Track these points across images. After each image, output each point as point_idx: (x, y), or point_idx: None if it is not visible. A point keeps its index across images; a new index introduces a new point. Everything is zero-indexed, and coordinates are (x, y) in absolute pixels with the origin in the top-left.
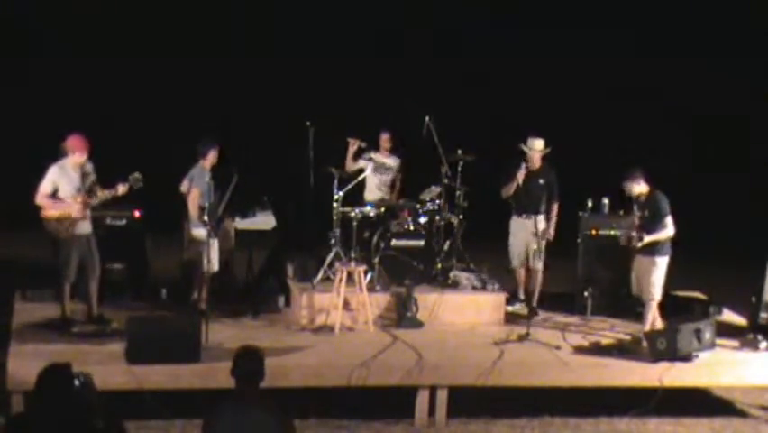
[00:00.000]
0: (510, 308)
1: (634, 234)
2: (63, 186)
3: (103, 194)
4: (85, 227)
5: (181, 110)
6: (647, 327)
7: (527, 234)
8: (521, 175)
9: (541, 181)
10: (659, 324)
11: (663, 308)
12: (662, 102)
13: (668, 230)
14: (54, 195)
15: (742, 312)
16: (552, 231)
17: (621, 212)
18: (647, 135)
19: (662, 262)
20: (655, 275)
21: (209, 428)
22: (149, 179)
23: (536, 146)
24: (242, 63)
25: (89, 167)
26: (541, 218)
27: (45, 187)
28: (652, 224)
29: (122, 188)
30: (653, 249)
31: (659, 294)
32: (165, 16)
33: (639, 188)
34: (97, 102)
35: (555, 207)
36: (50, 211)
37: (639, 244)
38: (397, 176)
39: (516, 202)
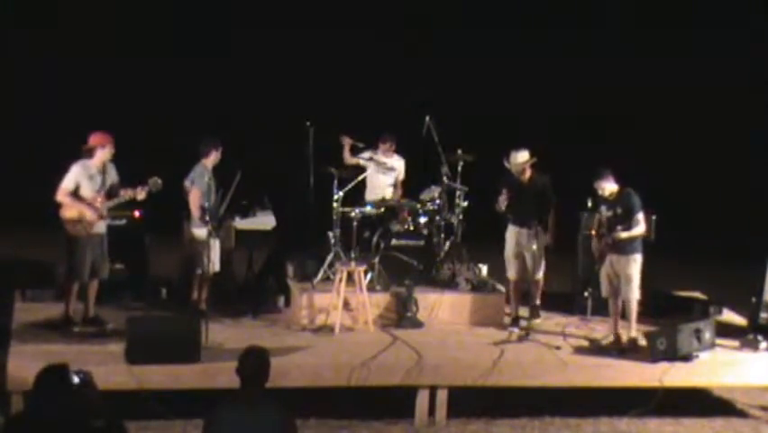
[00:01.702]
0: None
1: (621, 229)
2: (84, 185)
3: (126, 193)
4: (101, 227)
5: (181, 110)
6: (634, 327)
7: (521, 245)
8: (503, 201)
9: (534, 190)
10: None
11: (645, 307)
12: (662, 101)
13: (641, 226)
14: (75, 193)
15: (742, 312)
16: (549, 237)
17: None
18: (647, 135)
19: (639, 260)
20: (636, 274)
21: (211, 428)
22: (148, 180)
23: (518, 160)
24: (242, 63)
25: (110, 168)
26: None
27: (68, 184)
28: (625, 221)
29: (141, 192)
30: (630, 247)
31: (639, 292)
32: (165, 16)
33: (610, 187)
34: (97, 102)
35: (551, 213)
36: (69, 210)
37: (623, 235)
38: (399, 176)
39: (512, 213)
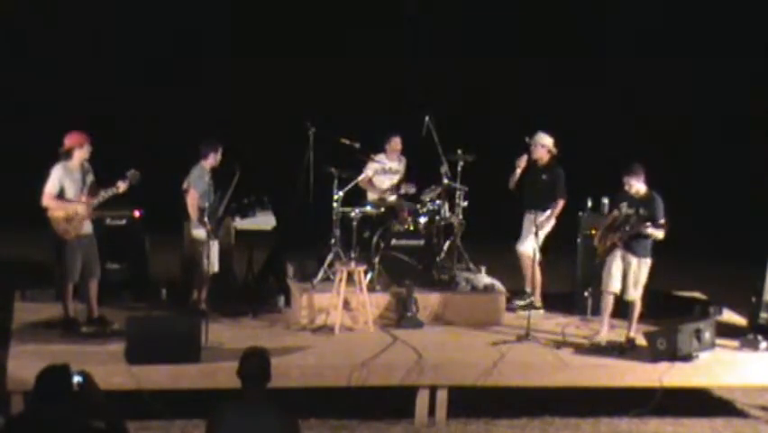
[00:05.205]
0: (520, 303)
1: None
2: (68, 186)
3: (106, 192)
4: (88, 227)
5: (181, 110)
6: (634, 328)
7: (530, 230)
8: (521, 162)
9: (544, 177)
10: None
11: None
12: (663, 101)
13: (662, 231)
14: (60, 195)
15: (742, 312)
16: (545, 222)
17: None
18: (646, 135)
19: (649, 263)
20: (645, 276)
21: (213, 429)
22: (149, 179)
23: (537, 138)
24: (242, 63)
25: (87, 167)
26: (542, 215)
27: (51, 187)
28: (647, 223)
29: (122, 186)
30: (645, 251)
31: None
32: (166, 15)
33: (638, 185)
34: (96, 102)
35: (559, 204)
36: (58, 212)
37: (648, 231)
38: (402, 177)
39: (521, 197)
